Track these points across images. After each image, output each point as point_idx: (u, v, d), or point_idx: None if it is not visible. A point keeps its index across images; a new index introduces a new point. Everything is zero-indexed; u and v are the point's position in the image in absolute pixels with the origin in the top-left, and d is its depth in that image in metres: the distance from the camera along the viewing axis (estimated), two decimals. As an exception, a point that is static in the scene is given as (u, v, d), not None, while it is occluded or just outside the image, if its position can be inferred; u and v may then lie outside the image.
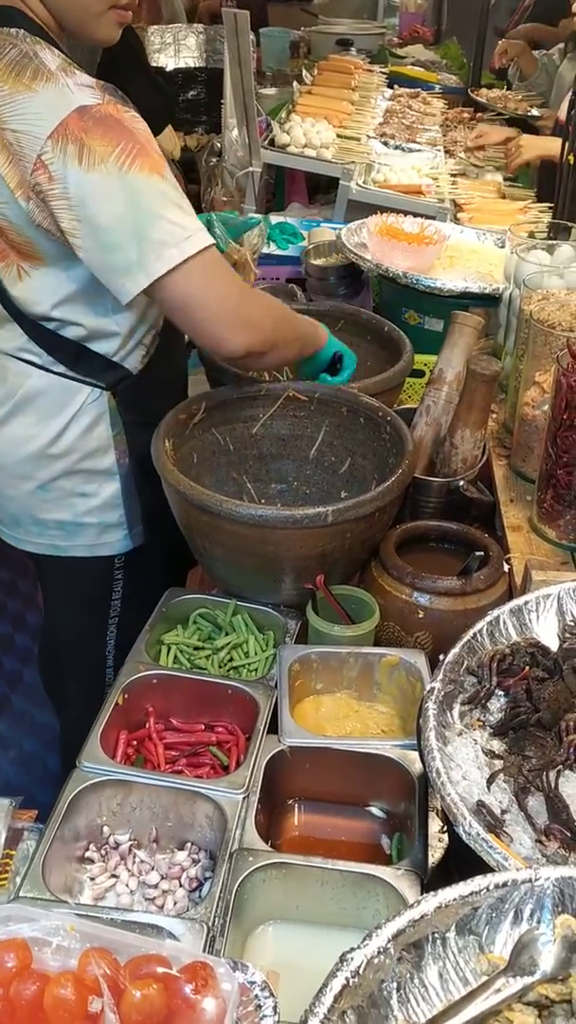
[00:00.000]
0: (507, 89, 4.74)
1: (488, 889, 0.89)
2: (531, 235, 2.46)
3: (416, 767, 1.27)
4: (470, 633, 1.31)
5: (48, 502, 1.76)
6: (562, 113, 3.14)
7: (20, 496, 1.77)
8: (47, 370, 1.65)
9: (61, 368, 1.65)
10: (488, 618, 1.33)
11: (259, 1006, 0.84)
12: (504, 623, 1.34)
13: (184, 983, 0.78)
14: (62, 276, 1.56)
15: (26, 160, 1.43)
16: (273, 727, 1.35)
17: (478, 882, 0.90)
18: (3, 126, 1.44)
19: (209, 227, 1.92)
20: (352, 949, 0.83)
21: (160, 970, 0.80)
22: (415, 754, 1.28)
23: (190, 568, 1.89)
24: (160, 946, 0.83)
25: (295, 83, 4.06)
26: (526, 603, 1.36)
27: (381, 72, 4.73)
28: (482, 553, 1.54)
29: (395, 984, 0.84)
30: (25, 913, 0.84)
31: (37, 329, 1.62)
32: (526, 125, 4.28)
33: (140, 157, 1.42)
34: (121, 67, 2.32)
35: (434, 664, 1.34)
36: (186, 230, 1.45)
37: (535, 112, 4.32)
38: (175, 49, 5.13)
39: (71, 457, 1.71)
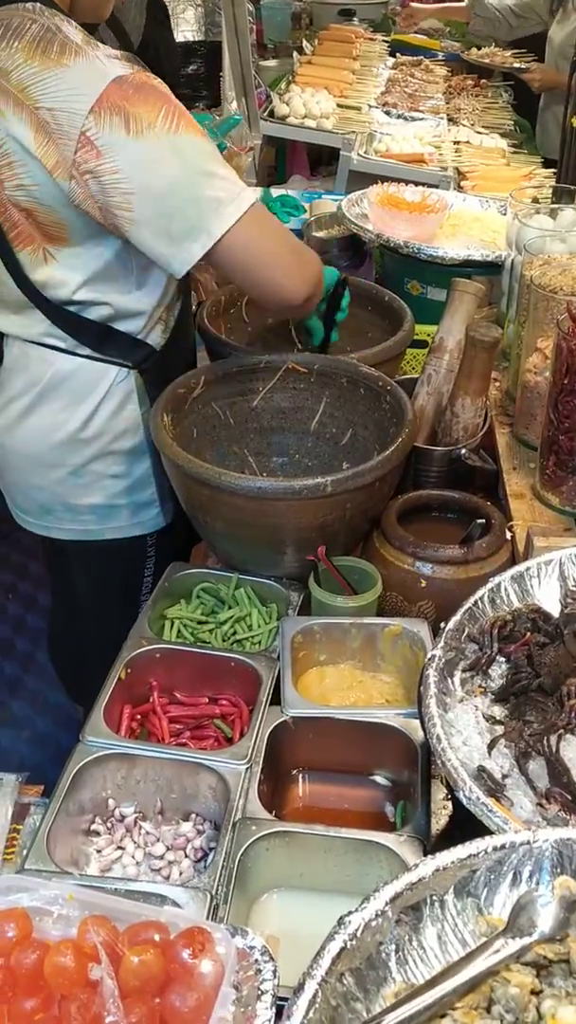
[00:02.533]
0: (494, 46, 4.69)
1: (486, 852, 0.89)
2: (535, 200, 2.42)
3: (419, 735, 1.27)
4: (471, 600, 1.31)
5: (80, 487, 1.75)
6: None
7: (50, 484, 1.76)
8: (73, 354, 1.64)
9: (87, 351, 1.64)
10: (489, 585, 1.33)
11: (259, 970, 0.84)
12: (505, 590, 1.33)
13: (181, 948, 0.79)
14: (88, 256, 1.55)
15: (67, 138, 1.41)
16: (276, 699, 1.35)
17: (476, 845, 0.90)
18: (36, 105, 1.41)
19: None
20: (349, 912, 0.84)
21: (157, 936, 0.80)
22: (417, 723, 1.27)
23: (194, 544, 1.89)
24: (158, 912, 0.84)
25: (295, 53, 4.01)
26: (528, 569, 1.35)
27: (383, 40, 4.67)
28: (484, 521, 1.53)
29: (393, 946, 0.84)
30: (25, 883, 0.85)
31: (60, 313, 1.60)
32: (516, 80, 4.30)
33: (182, 118, 1.43)
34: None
35: (437, 633, 1.34)
36: (236, 185, 1.47)
37: (520, 65, 4.29)
38: (173, 23, 5.07)
39: (102, 440, 1.71)
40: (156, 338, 1.70)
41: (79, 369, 1.65)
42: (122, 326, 1.64)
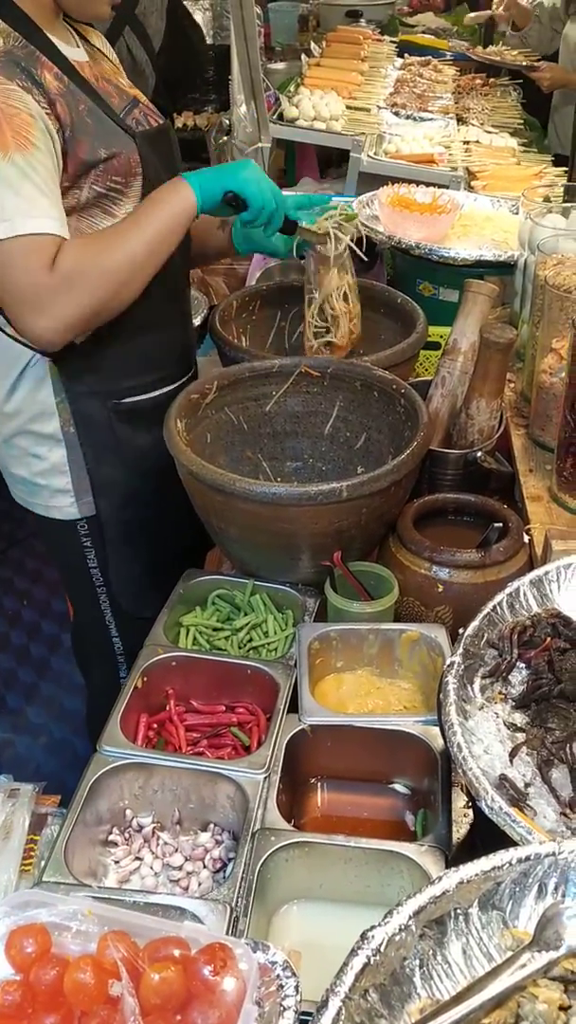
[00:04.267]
0: (502, 44, 4.67)
1: (511, 863, 0.88)
2: (547, 199, 2.40)
3: (439, 743, 1.25)
4: (490, 606, 1.29)
5: (12, 457, 1.84)
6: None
7: None
8: (1, 331, 1.67)
9: (10, 330, 1.65)
10: (508, 590, 1.31)
11: (281, 986, 0.83)
12: (524, 594, 1.31)
13: (203, 964, 0.78)
14: None
15: None
16: (294, 706, 1.34)
17: (500, 856, 0.88)
18: None
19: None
20: (372, 927, 0.82)
21: (178, 952, 0.79)
22: (437, 730, 1.26)
23: (208, 550, 1.88)
24: (178, 928, 0.83)
25: (303, 56, 4.00)
26: (546, 573, 1.34)
27: (391, 42, 4.65)
28: (501, 525, 1.52)
29: (418, 961, 0.83)
30: (43, 898, 0.84)
31: None
32: (524, 78, 4.28)
33: None
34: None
35: (455, 638, 1.33)
36: (15, 213, 1.44)
37: (529, 63, 4.26)
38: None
39: (20, 417, 1.76)
40: None
41: (5, 347, 1.68)
42: None
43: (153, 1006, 0.75)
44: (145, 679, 1.39)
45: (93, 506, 1.84)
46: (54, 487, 1.83)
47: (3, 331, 1.66)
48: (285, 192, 3.08)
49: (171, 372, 1.84)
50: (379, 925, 0.82)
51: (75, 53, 1.64)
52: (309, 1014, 0.83)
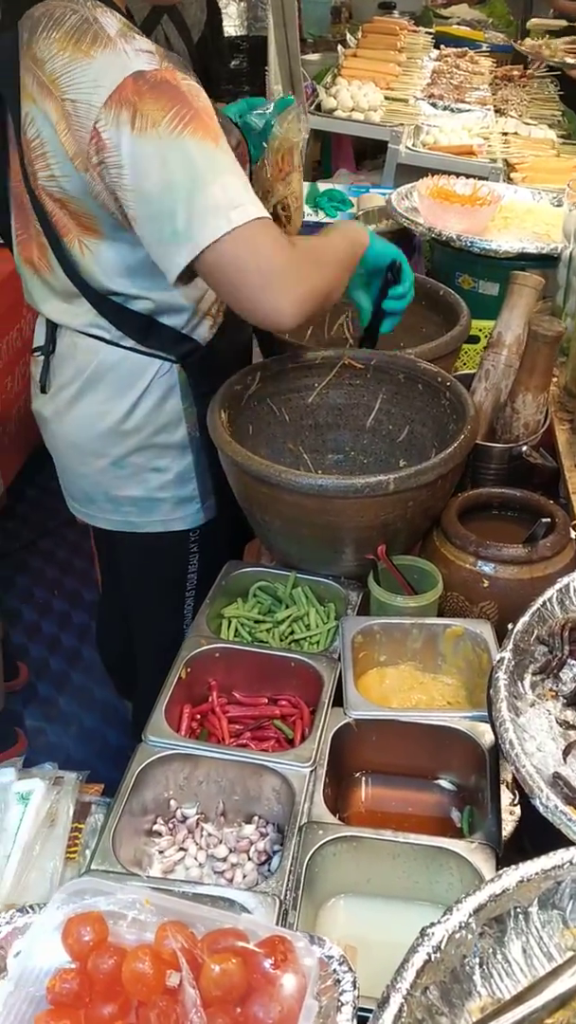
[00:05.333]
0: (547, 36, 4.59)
1: (572, 863, 0.87)
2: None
3: (486, 739, 1.24)
4: (539, 601, 1.28)
5: (122, 479, 1.75)
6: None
7: (93, 473, 1.76)
8: (116, 345, 1.63)
9: (130, 343, 1.63)
10: (558, 585, 1.29)
11: (338, 981, 0.82)
12: (575, 591, 1.30)
13: (263, 958, 0.77)
14: (122, 250, 1.54)
15: (83, 129, 1.41)
16: (337, 700, 1.33)
17: (561, 855, 0.87)
18: (63, 96, 1.42)
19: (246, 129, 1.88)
20: (432, 924, 0.81)
21: (238, 944, 0.79)
22: (484, 726, 1.25)
23: (248, 541, 1.87)
24: (236, 919, 0.82)
25: (340, 47, 3.97)
26: (597, 570, 1.32)
27: (427, 33, 4.61)
28: (549, 520, 1.50)
29: (478, 959, 0.82)
30: (100, 886, 0.84)
31: (106, 303, 1.60)
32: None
33: (193, 122, 1.37)
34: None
35: (501, 634, 1.31)
36: (235, 200, 1.38)
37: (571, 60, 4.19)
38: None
39: (143, 432, 1.70)
40: (203, 333, 1.68)
41: (123, 360, 1.64)
42: (166, 320, 1.63)
43: (214, 998, 0.75)
44: (189, 670, 1.39)
45: (215, 508, 1.81)
46: (179, 497, 1.78)
47: (119, 345, 1.63)
48: (321, 185, 3.07)
49: (248, 362, 1.84)
50: (439, 922, 0.81)
51: None
52: (365, 1010, 0.83)
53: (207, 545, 1.86)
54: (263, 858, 1.22)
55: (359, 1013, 0.83)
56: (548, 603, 1.28)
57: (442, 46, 4.59)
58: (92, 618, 3.23)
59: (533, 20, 5.04)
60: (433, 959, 0.79)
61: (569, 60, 4.13)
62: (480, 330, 2.09)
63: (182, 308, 1.63)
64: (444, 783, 1.31)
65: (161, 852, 1.23)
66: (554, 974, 0.80)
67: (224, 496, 1.76)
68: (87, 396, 1.69)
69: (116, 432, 1.69)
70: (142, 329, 1.62)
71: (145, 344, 1.63)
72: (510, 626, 1.24)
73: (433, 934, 0.80)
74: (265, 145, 2.01)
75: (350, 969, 0.84)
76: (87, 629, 3.25)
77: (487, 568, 1.48)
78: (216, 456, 1.68)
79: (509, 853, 1.11)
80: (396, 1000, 0.75)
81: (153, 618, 2.01)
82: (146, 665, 2.11)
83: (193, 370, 1.67)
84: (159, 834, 1.25)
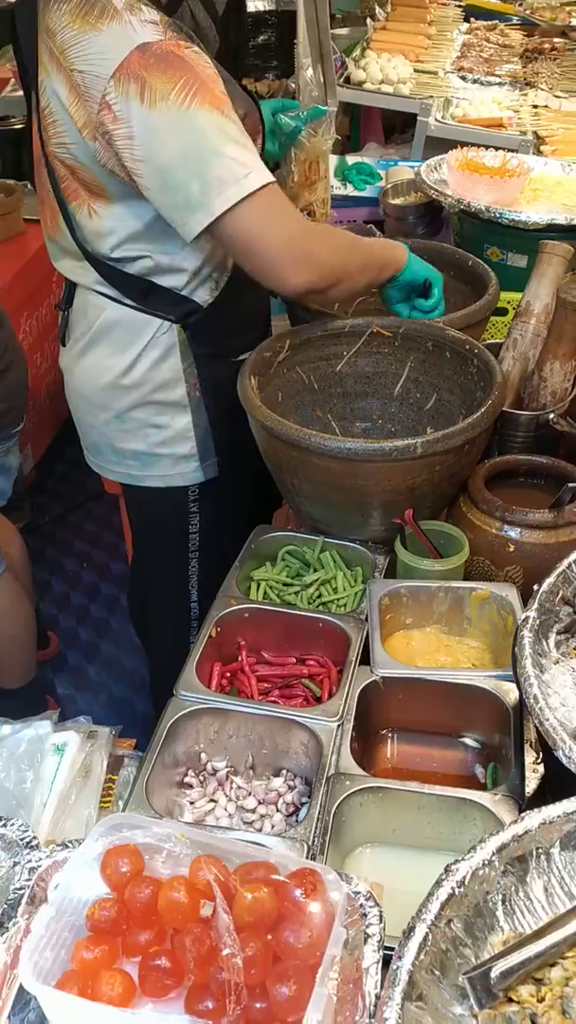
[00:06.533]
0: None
1: (593, 807, 0.89)
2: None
3: (511, 697, 1.26)
4: (565, 563, 1.29)
5: (124, 432, 1.82)
6: None
7: (100, 425, 1.84)
8: (119, 302, 1.69)
9: (131, 302, 1.68)
10: (584, 548, 1.31)
11: (364, 914, 0.85)
12: (600, 553, 1.31)
13: (293, 887, 0.80)
14: (129, 214, 1.58)
15: (92, 100, 1.45)
16: (363, 660, 1.35)
17: (582, 800, 0.89)
18: (72, 67, 1.46)
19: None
20: (456, 860, 0.84)
21: (270, 876, 0.82)
22: (509, 685, 1.27)
23: (276, 508, 1.90)
24: (268, 853, 0.85)
25: (368, 20, 3.95)
26: (623, 533, 1.33)
27: (457, 5, 4.57)
28: (575, 485, 1.51)
29: (500, 896, 0.84)
30: (137, 821, 0.87)
31: (104, 266, 1.66)
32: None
33: (200, 93, 1.41)
34: None
35: (526, 598, 1.33)
36: (246, 167, 1.44)
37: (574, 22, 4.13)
38: (244, -7, 5.01)
39: (143, 388, 1.76)
40: (203, 295, 1.72)
41: (124, 318, 1.70)
42: (163, 281, 1.67)
43: (246, 923, 0.78)
44: (219, 629, 1.42)
45: (216, 467, 1.86)
46: (177, 454, 1.83)
47: (120, 303, 1.68)
48: (349, 158, 3.06)
49: (264, 327, 1.89)
50: (463, 859, 0.84)
51: None
52: (389, 948, 0.86)
53: (207, 505, 1.91)
54: (291, 810, 1.25)
55: (384, 952, 0.86)
56: (573, 565, 1.29)
57: (472, 19, 4.54)
58: (120, 590, 3.28)
59: None
60: (457, 893, 0.82)
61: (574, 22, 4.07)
62: (508, 302, 2.09)
63: (181, 270, 1.67)
64: (469, 740, 1.33)
65: (192, 803, 1.26)
66: (574, 911, 0.82)
67: (230, 459, 1.83)
68: (93, 350, 1.76)
69: (118, 386, 1.76)
70: (141, 290, 1.68)
71: (145, 304, 1.68)
72: (535, 587, 1.26)
73: (457, 870, 0.83)
74: (293, 148, 2.04)
75: (376, 904, 0.87)
76: (115, 601, 3.30)
77: (513, 533, 1.49)
78: (219, 418, 1.77)
79: (533, 807, 1.13)
80: (421, 930, 0.78)
81: (161, 578, 2.09)
82: (156, 627, 2.20)
83: (193, 331, 1.72)
84: (190, 786, 1.28)
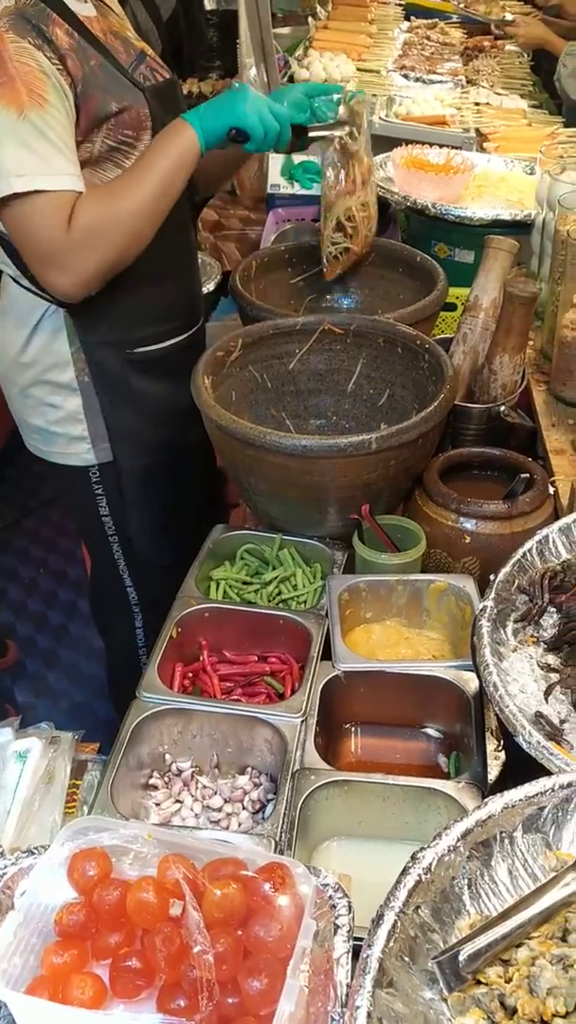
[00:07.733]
0: None
1: (553, 789, 0.91)
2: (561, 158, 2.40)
3: (471, 687, 1.28)
4: (520, 552, 1.31)
5: (28, 408, 1.88)
6: None
7: (12, 398, 1.90)
8: (16, 282, 1.72)
9: (25, 281, 1.70)
10: (538, 537, 1.33)
11: (333, 906, 0.86)
12: (553, 541, 1.34)
13: (262, 882, 0.81)
14: None
15: None
16: (325, 656, 1.36)
17: (543, 783, 0.91)
18: None
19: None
20: (422, 848, 0.85)
21: (238, 872, 0.82)
22: (469, 674, 1.29)
23: (227, 505, 1.91)
24: (236, 850, 0.86)
25: (310, 19, 3.97)
26: (575, 521, 1.36)
27: (397, 4, 4.61)
28: (528, 475, 1.53)
29: (466, 881, 0.86)
30: (103, 824, 0.87)
31: (6, 243, 1.66)
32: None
33: (1, 88, 1.45)
34: None
35: (483, 588, 1.35)
36: (24, 170, 1.48)
37: (507, 16, 4.18)
38: (185, -8, 5.00)
39: (36, 368, 1.80)
40: None
41: (21, 296, 1.74)
42: None
43: (216, 920, 0.78)
44: (179, 629, 1.42)
45: (110, 452, 1.88)
46: (71, 435, 1.87)
47: (18, 282, 1.70)
48: (296, 157, 3.05)
49: (181, 322, 1.89)
50: (429, 846, 0.85)
51: (83, 8, 1.66)
52: (359, 939, 0.86)
53: (111, 488, 1.93)
54: (257, 807, 1.26)
55: (354, 942, 0.87)
56: (528, 554, 1.32)
57: (412, 17, 4.58)
58: (77, 595, 3.26)
59: None
60: (424, 880, 0.83)
61: (506, 15, 4.12)
62: (457, 298, 2.11)
63: None
64: (431, 731, 1.35)
65: (157, 804, 1.26)
66: (539, 892, 0.84)
67: (128, 446, 1.86)
68: (3, 324, 1.81)
69: (17, 363, 1.81)
70: (26, 271, 1.69)
71: (34, 284, 1.69)
72: (492, 577, 1.28)
73: (423, 857, 0.84)
74: (333, 154, 2.01)
75: (345, 895, 0.87)
76: (73, 606, 3.27)
77: (468, 524, 1.51)
78: (112, 403, 1.81)
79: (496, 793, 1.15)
80: (390, 917, 0.79)
81: (95, 562, 2.15)
82: (105, 617, 2.26)
83: (80, 318, 1.74)
84: (155, 787, 1.28)
